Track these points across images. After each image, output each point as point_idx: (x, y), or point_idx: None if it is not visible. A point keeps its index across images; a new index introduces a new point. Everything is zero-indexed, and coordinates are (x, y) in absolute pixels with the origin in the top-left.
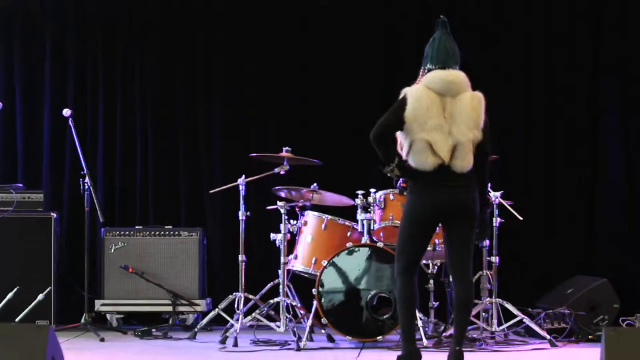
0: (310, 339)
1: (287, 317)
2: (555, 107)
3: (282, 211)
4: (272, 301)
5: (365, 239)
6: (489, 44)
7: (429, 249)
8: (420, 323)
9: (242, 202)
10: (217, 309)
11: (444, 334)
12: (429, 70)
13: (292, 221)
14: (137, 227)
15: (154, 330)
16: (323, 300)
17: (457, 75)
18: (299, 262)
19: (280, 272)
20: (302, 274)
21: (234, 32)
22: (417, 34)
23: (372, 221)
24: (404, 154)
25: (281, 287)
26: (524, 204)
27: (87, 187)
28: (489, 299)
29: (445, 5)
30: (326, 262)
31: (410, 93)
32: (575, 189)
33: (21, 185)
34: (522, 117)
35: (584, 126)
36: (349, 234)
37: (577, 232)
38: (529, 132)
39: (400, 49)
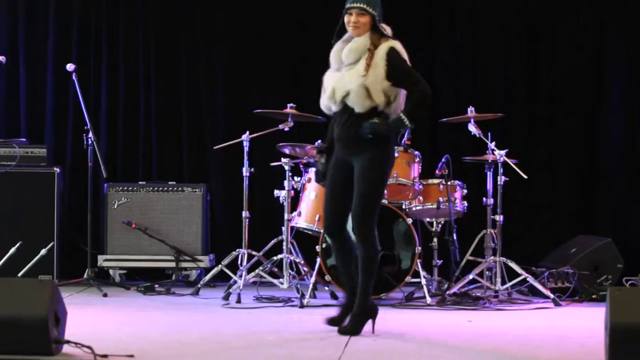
0: (313, 296)
1: (290, 274)
2: (558, 60)
3: (286, 168)
4: (275, 258)
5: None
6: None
7: (433, 207)
8: (423, 281)
9: (245, 158)
10: (220, 265)
11: (447, 292)
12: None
13: (295, 178)
14: (140, 183)
15: (156, 285)
16: (326, 257)
17: None
18: (303, 218)
19: (283, 228)
20: (306, 231)
21: None
22: None
23: None
24: (397, 109)
25: (284, 243)
26: (527, 162)
27: (90, 141)
28: (492, 257)
29: None
30: None
31: (402, 49)
32: (578, 148)
33: (24, 139)
34: (524, 75)
35: (587, 81)
36: None
37: (581, 190)
38: (532, 90)
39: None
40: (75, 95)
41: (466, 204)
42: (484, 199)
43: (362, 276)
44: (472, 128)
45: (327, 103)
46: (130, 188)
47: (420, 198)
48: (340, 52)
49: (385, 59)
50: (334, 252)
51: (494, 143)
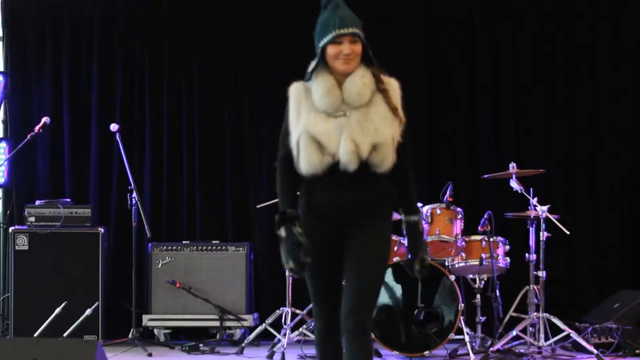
0: None
1: None
2: (599, 111)
3: None
4: None
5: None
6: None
7: (475, 263)
8: (467, 338)
9: None
10: (264, 324)
11: (491, 349)
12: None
13: None
14: (184, 242)
15: (201, 345)
16: None
17: None
18: None
19: None
20: None
21: (280, 29)
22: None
23: None
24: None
25: None
26: (570, 218)
27: (134, 201)
28: (535, 313)
29: None
30: None
31: None
32: (621, 204)
33: (69, 200)
34: (567, 129)
35: (629, 137)
36: (395, 248)
37: (624, 246)
38: (572, 144)
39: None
40: (119, 156)
41: (509, 260)
42: (527, 255)
43: None
44: (514, 184)
45: (327, 161)
46: (174, 247)
47: (463, 255)
48: (335, 91)
49: (400, 101)
50: None
51: (536, 199)
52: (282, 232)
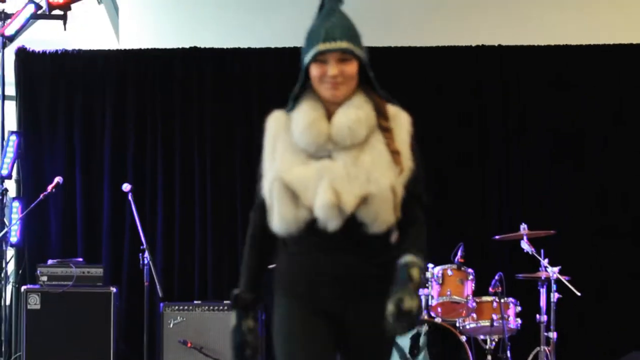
0: None
1: None
2: (605, 172)
3: None
4: None
5: (422, 315)
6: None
7: (486, 324)
8: None
9: None
10: None
11: None
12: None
13: None
14: (195, 302)
15: None
16: None
17: None
18: None
19: None
20: None
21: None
22: None
23: (430, 296)
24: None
25: None
26: (580, 279)
27: (146, 261)
28: None
29: None
30: None
31: None
32: (631, 264)
33: (81, 259)
34: (575, 191)
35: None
36: None
37: (634, 306)
38: (579, 204)
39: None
40: (131, 215)
41: (520, 321)
42: (538, 315)
43: None
44: (525, 245)
45: (302, 216)
46: (186, 307)
47: (474, 315)
48: (319, 124)
49: (408, 142)
50: None
51: (546, 260)
52: (233, 319)
